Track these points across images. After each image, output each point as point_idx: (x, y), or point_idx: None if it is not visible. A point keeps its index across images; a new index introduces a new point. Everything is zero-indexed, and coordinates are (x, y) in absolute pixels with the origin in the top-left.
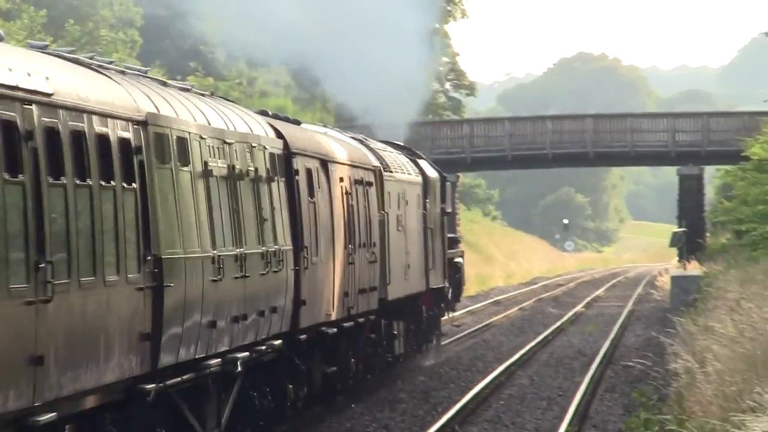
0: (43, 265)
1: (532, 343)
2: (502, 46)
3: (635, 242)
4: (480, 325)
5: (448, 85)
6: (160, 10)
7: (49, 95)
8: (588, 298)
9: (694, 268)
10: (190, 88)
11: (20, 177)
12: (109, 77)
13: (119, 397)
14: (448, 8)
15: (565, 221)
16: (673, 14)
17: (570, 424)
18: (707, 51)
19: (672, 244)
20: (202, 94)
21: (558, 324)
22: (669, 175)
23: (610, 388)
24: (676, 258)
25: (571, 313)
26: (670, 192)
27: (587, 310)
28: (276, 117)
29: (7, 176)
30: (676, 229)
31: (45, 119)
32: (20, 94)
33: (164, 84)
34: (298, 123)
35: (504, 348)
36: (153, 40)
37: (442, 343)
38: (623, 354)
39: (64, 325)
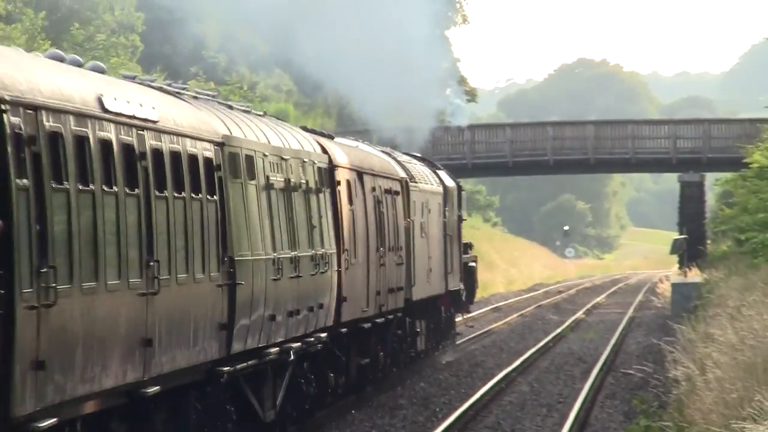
0: (152, 263)
1: (533, 350)
2: (503, 52)
3: (636, 249)
4: (480, 332)
5: (449, 91)
6: (161, 14)
7: (155, 122)
8: (588, 305)
9: (694, 275)
10: (249, 110)
11: (136, 191)
12: (189, 103)
13: (201, 377)
14: (449, 14)
15: (566, 228)
16: (674, 20)
17: (570, 430)
18: (708, 57)
19: (672, 251)
20: (259, 115)
21: (558, 330)
22: (670, 181)
23: (610, 395)
24: (677, 265)
25: (571, 320)
26: (671, 199)
27: (588, 317)
28: (313, 132)
29: (127, 190)
30: (676, 236)
31: (153, 142)
32: (136, 122)
33: (230, 108)
34: (331, 137)
35: (504, 354)
36: (154, 44)
37: (457, 342)
38: (624, 361)
39: (167, 314)
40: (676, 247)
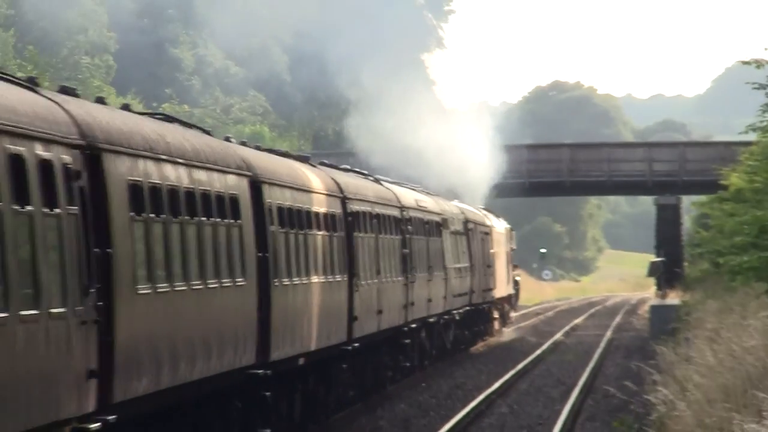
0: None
1: (512, 372)
2: (477, 75)
3: (613, 271)
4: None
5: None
6: (134, 36)
7: (346, 194)
8: (567, 327)
9: (672, 298)
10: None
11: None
12: (313, 165)
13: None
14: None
15: (543, 250)
16: (648, 43)
17: None
18: (682, 80)
19: (650, 274)
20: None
21: (538, 353)
22: (645, 204)
23: (590, 417)
24: (655, 287)
25: (550, 342)
26: (647, 221)
27: (566, 339)
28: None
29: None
30: (653, 258)
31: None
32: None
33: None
34: (379, 181)
35: (483, 376)
36: (128, 67)
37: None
38: (603, 383)
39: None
40: (653, 270)
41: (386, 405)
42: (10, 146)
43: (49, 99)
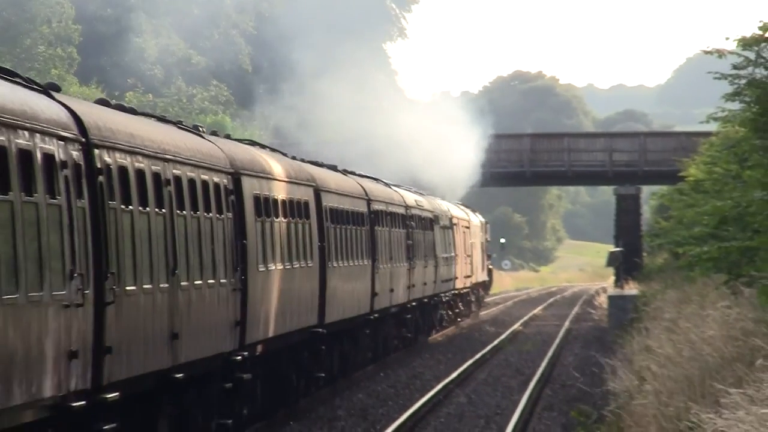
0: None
1: (470, 361)
2: (438, 65)
3: (572, 261)
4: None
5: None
6: (98, 26)
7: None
8: (525, 317)
9: (631, 288)
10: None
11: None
12: (344, 173)
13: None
14: (387, 27)
15: (503, 240)
16: (609, 33)
17: None
18: (644, 70)
19: (608, 264)
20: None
21: (496, 342)
22: (606, 194)
23: (548, 407)
24: (613, 278)
25: (509, 332)
26: (607, 212)
27: (525, 329)
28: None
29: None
30: (612, 248)
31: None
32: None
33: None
34: (388, 185)
35: (442, 366)
36: (91, 56)
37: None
38: (561, 373)
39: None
40: (612, 260)
41: (344, 394)
42: (205, 177)
43: (211, 142)
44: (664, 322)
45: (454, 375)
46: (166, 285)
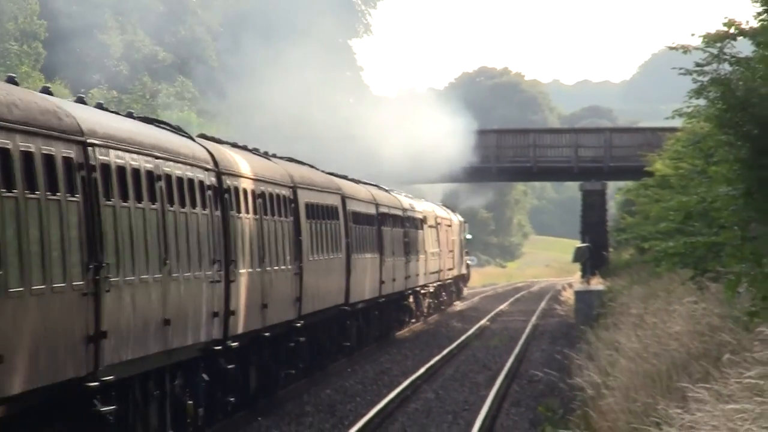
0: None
1: (437, 357)
2: (404, 60)
3: (538, 257)
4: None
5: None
6: (64, 22)
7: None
8: (492, 313)
9: (597, 283)
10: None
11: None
12: (356, 182)
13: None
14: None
15: (469, 236)
16: (575, 29)
17: None
18: (609, 66)
19: (575, 260)
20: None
21: (463, 338)
22: (571, 190)
23: (515, 402)
24: (580, 273)
25: (475, 328)
26: (573, 207)
27: (492, 324)
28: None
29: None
30: (579, 244)
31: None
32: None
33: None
34: (388, 191)
35: (409, 362)
36: (56, 52)
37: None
38: (528, 368)
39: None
40: (578, 256)
41: (312, 390)
42: (273, 191)
43: (275, 163)
44: (630, 317)
45: (421, 371)
46: (259, 269)
